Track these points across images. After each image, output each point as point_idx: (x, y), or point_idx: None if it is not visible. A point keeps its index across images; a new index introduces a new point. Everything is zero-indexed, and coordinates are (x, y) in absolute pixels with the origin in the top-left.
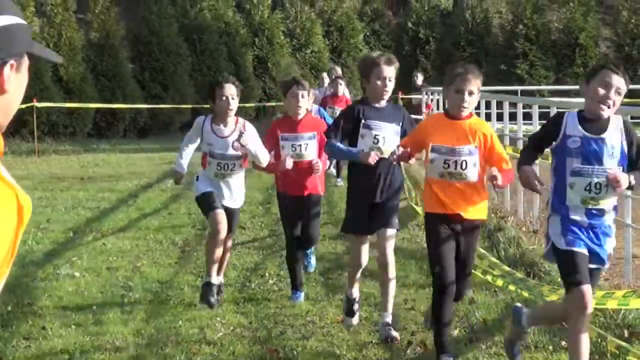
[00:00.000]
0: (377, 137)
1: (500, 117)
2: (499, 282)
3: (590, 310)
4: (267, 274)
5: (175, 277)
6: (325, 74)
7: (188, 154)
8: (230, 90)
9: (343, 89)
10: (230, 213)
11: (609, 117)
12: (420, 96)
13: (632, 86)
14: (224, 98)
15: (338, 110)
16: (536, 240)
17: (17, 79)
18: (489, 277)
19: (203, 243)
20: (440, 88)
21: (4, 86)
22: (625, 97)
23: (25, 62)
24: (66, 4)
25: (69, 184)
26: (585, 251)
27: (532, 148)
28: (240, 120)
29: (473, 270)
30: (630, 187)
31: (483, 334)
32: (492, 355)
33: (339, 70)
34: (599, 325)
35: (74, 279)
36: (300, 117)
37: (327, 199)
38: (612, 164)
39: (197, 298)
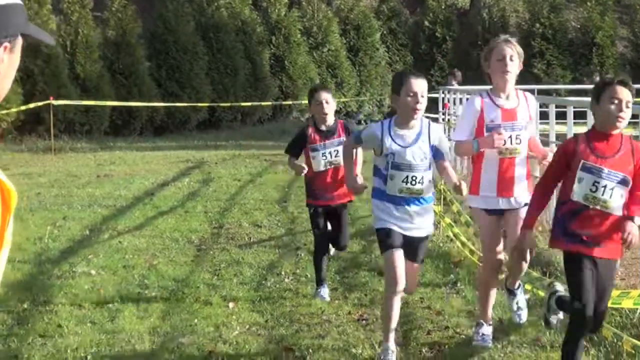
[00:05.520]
0: None
1: None
2: None
3: None
4: (283, 273)
5: (191, 275)
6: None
7: None
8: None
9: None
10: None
11: None
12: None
13: None
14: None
15: None
16: None
17: (10, 60)
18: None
19: (219, 241)
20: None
21: None
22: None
23: (19, 42)
24: (83, 2)
25: (85, 182)
26: None
27: None
28: None
29: None
30: None
31: (499, 333)
32: (508, 354)
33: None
34: (615, 324)
35: (90, 277)
36: None
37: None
38: None
39: (213, 296)
